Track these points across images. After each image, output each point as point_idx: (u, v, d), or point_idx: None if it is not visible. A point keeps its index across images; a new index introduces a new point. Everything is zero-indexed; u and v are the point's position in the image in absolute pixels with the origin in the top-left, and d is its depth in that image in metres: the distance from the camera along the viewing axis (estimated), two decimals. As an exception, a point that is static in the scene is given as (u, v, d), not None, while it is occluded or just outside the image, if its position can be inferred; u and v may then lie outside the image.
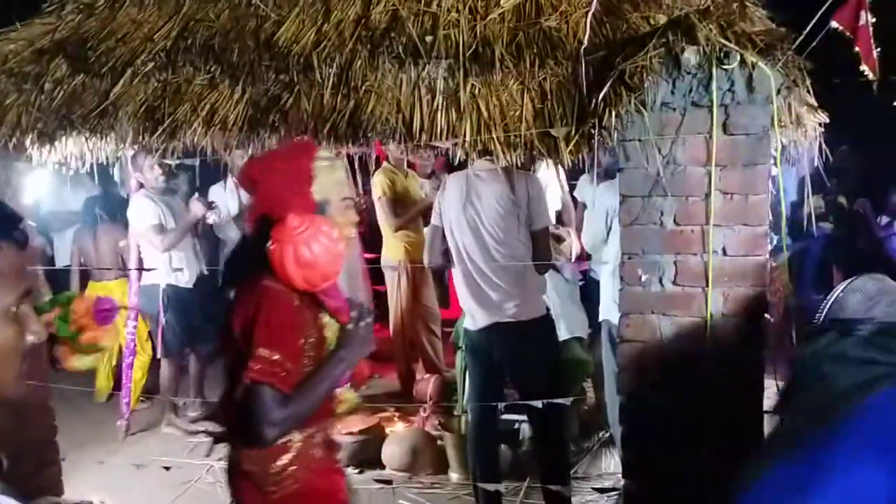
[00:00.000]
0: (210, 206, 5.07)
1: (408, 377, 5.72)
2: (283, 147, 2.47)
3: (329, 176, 2.31)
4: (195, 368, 5.49)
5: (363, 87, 3.24)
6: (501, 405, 3.93)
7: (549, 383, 3.73)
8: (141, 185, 5.15)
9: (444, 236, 3.84)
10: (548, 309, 3.87)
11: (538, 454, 3.95)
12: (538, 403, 3.58)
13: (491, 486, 3.77)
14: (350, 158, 4.04)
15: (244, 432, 2.11)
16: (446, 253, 3.87)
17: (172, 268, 5.08)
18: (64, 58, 3.75)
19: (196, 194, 5.23)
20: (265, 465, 2.16)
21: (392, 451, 4.48)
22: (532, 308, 3.74)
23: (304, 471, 2.20)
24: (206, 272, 5.30)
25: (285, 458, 2.17)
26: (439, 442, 4.54)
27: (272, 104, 3.36)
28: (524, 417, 4.59)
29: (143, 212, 5.02)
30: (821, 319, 2.86)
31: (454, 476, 4.42)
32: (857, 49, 3.72)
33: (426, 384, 5.29)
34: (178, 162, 3.95)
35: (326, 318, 2.26)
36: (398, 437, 4.58)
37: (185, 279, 5.17)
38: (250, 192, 2.29)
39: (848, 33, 3.72)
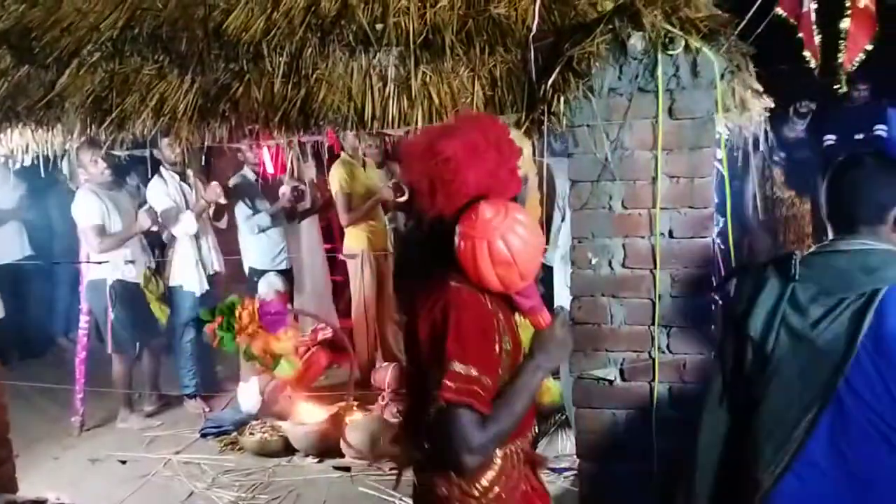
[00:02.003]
0: (157, 220, 4.99)
1: (368, 366, 5.72)
2: (462, 122, 2.00)
3: (526, 150, 2.09)
4: (148, 363, 5.43)
5: (314, 76, 3.24)
6: None
7: None
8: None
9: None
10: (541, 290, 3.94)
11: None
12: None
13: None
14: (302, 147, 4.03)
15: (441, 459, 1.83)
16: None
17: (124, 260, 5.01)
18: (8, 48, 3.70)
19: (146, 205, 5.13)
20: (467, 488, 1.89)
21: (351, 440, 4.49)
22: None
23: (511, 491, 1.94)
24: (152, 266, 5.24)
25: (488, 478, 1.90)
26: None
27: (222, 93, 3.35)
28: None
29: (86, 209, 4.93)
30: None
31: (413, 462, 4.45)
32: (800, 35, 3.81)
33: (385, 372, 5.31)
34: (127, 153, 3.90)
35: (519, 319, 2.00)
36: (357, 425, 4.59)
37: (133, 274, 5.10)
38: (442, 175, 1.85)
39: (791, 19, 3.81)
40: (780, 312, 1.86)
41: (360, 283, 5.55)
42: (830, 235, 2.00)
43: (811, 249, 1.91)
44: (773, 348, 1.87)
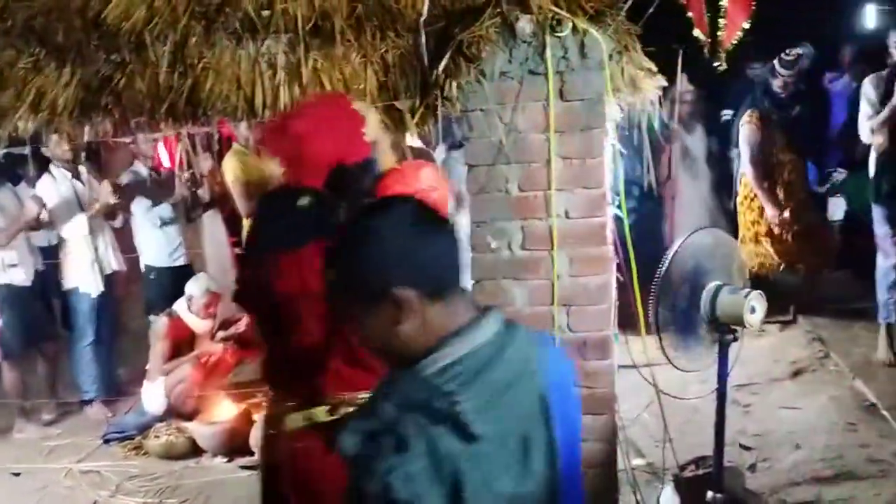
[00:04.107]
0: (43, 203, 4.77)
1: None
2: (309, 102, 2.45)
3: (372, 117, 2.29)
4: (44, 369, 5.21)
5: (200, 65, 3.14)
6: None
7: None
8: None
9: None
10: None
11: None
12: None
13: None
14: (192, 138, 3.91)
15: None
16: None
17: (8, 264, 4.77)
18: None
19: (34, 191, 4.89)
20: None
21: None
22: None
23: None
24: (42, 268, 5.01)
25: None
26: (309, 423, 4.51)
27: (104, 85, 3.22)
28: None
29: None
30: (663, 271, 3.00)
31: (325, 456, 4.41)
32: (689, 14, 3.90)
33: (294, 366, 5.22)
34: (4, 152, 3.71)
35: None
36: (267, 422, 4.51)
37: (22, 277, 4.88)
38: (294, 150, 2.17)
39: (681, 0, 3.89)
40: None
41: (266, 276, 5.43)
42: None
43: (437, 356, 1.24)
44: None
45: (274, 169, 5.43)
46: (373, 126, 2.27)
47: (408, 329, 1.26)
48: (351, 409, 2.05)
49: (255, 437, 4.41)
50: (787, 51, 5.20)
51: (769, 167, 5.44)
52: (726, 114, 6.87)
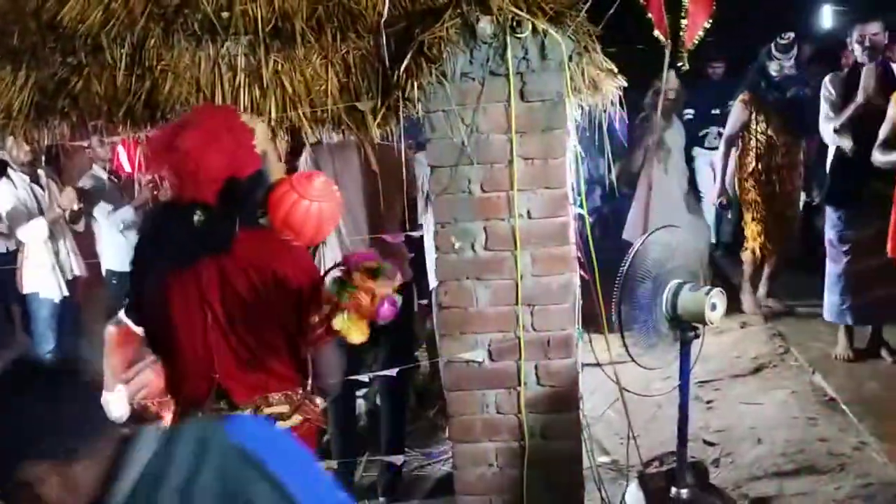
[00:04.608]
0: None
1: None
2: (196, 115, 2.37)
3: (259, 129, 2.36)
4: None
5: (158, 67, 3.09)
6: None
7: (410, 349, 3.96)
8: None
9: None
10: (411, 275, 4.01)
11: (384, 423, 4.04)
12: (392, 372, 3.65)
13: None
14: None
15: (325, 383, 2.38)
16: None
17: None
18: None
19: None
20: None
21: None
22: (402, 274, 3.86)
23: None
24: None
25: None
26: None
27: (60, 88, 3.16)
28: (364, 391, 4.64)
29: None
30: (625, 270, 3.02)
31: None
32: (650, 15, 3.93)
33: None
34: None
35: None
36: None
37: (-25, 285, 4.79)
38: (184, 165, 2.16)
39: (641, 1, 3.92)
40: None
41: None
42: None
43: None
44: None
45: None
46: (261, 138, 2.35)
47: (55, 499, 1.16)
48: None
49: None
50: (782, 34, 5.34)
51: (749, 150, 5.59)
52: (688, 113, 6.96)
